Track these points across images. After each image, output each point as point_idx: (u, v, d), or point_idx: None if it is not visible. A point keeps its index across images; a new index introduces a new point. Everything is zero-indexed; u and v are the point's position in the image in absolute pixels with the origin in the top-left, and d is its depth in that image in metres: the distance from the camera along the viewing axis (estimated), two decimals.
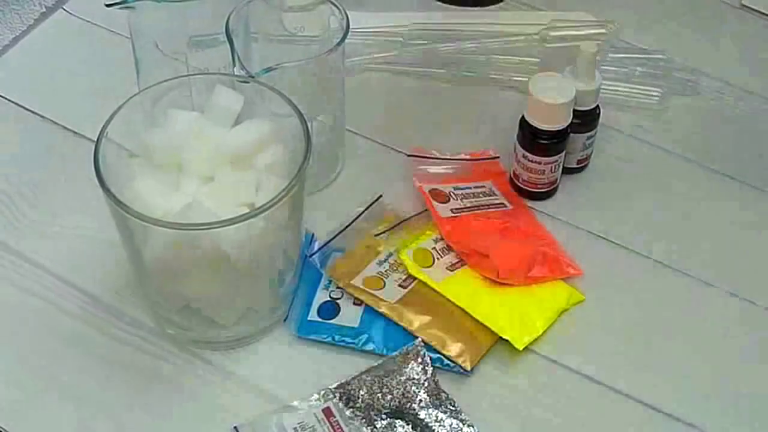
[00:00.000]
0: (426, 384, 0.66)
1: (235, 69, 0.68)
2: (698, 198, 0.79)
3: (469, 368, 0.67)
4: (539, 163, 0.75)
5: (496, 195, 0.77)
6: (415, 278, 0.71)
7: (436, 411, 0.65)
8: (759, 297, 0.72)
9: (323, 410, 0.64)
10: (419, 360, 0.66)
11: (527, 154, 0.75)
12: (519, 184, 0.77)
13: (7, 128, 0.82)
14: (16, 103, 0.83)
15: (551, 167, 0.75)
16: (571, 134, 0.75)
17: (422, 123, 0.83)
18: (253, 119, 0.66)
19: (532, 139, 0.74)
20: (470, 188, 0.76)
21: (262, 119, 0.66)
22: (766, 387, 0.68)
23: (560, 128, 0.73)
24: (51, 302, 0.70)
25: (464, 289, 0.70)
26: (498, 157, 0.79)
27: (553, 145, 0.74)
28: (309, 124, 0.64)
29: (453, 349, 0.67)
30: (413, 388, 0.65)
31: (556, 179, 0.77)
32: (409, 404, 0.65)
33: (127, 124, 0.64)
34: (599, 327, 0.70)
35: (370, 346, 0.68)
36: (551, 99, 0.72)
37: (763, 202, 0.79)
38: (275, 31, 0.73)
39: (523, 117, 0.74)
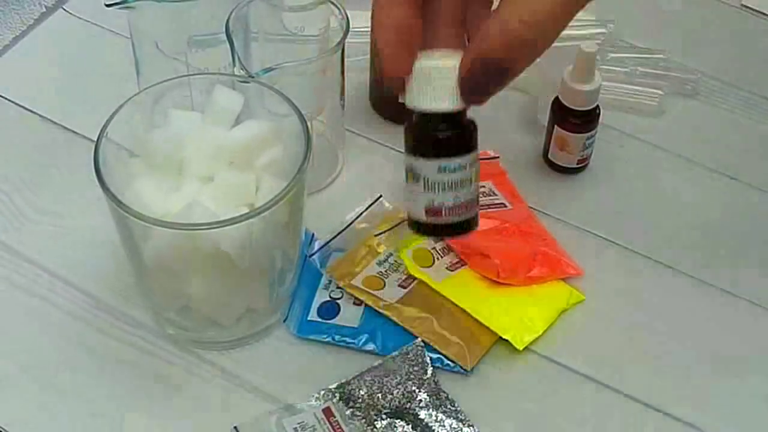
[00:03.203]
0: (426, 384, 0.66)
1: (235, 69, 0.68)
2: (698, 198, 0.79)
3: (469, 368, 0.67)
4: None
5: (496, 195, 0.77)
6: (415, 278, 0.71)
7: (436, 411, 0.65)
8: (759, 297, 0.72)
9: (323, 410, 0.64)
10: (419, 360, 0.66)
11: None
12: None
13: (7, 128, 0.82)
14: (16, 103, 0.83)
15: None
16: (572, 134, 0.76)
17: None
18: (253, 119, 0.66)
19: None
20: None
21: (261, 119, 0.66)
22: (765, 387, 0.68)
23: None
24: (51, 302, 0.70)
25: (464, 289, 0.70)
26: (498, 157, 0.79)
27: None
28: (309, 124, 0.64)
29: (453, 349, 0.67)
30: (413, 388, 0.65)
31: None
32: (409, 404, 0.65)
33: (127, 124, 0.64)
34: (599, 327, 0.70)
35: (370, 346, 0.68)
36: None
37: (763, 202, 0.79)
38: (275, 31, 0.73)
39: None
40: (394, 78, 0.50)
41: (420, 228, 0.53)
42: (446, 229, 0.53)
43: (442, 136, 0.51)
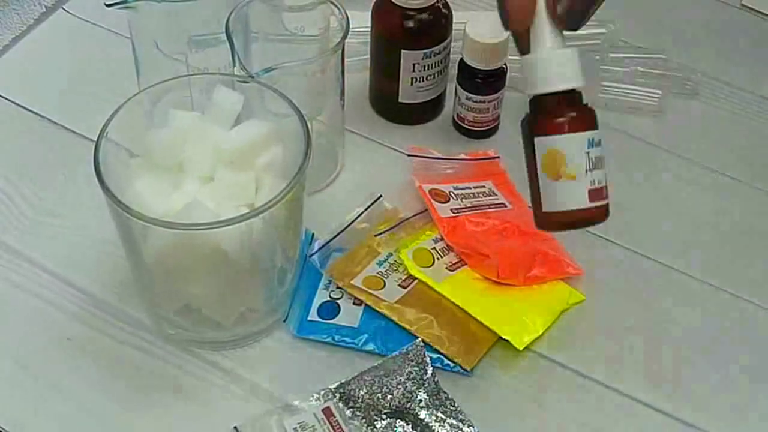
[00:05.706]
0: (426, 384, 0.66)
1: (235, 69, 0.68)
2: (698, 198, 0.79)
3: (469, 368, 0.67)
4: (483, 102, 0.78)
5: (496, 195, 0.77)
6: (415, 278, 0.71)
7: (436, 411, 0.65)
8: (759, 297, 0.72)
9: (323, 410, 0.64)
10: (419, 360, 0.66)
11: (470, 95, 0.78)
12: (466, 126, 0.81)
13: (7, 128, 0.82)
14: (16, 103, 0.83)
15: (494, 105, 0.79)
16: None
17: (422, 122, 0.83)
18: (253, 119, 0.66)
19: (471, 79, 0.78)
20: (470, 188, 0.76)
21: (262, 119, 0.66)
22: (766, 387, 0.68)
23: (496, 67, 0.77)
24: (50, 302, 0.70)
25: (464, 289, 0.70)
26: (498, 157, 0.79)
27: (492, 84, 0.78)
28: (309, 124, 0.64)
29: (453, 349, 0.67)
30: (413, 388, 0.65)
31: (498, 116, 0.81)
32: (409, 404, 0.65)
33: (127, 124, 0.64)
34: (599, 327, 0.70)
35: (370, 346, 0.68)
36: (486, 40, 0.76)
37: (763, 202, 0.79)
38: (275, 31, 0.73)
39: (461, 59, 0.78)
40: (517, 30, 0.58)
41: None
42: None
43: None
